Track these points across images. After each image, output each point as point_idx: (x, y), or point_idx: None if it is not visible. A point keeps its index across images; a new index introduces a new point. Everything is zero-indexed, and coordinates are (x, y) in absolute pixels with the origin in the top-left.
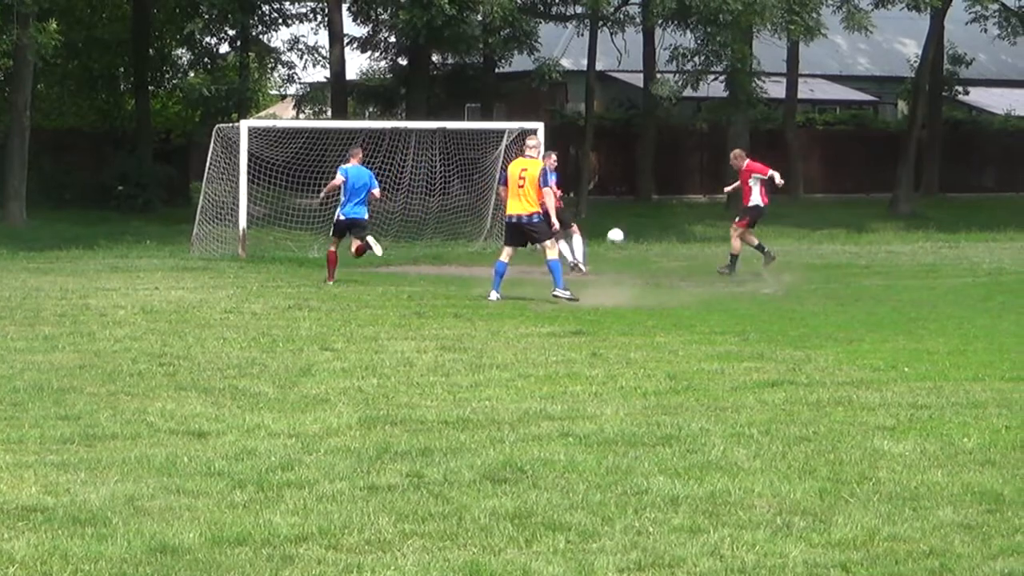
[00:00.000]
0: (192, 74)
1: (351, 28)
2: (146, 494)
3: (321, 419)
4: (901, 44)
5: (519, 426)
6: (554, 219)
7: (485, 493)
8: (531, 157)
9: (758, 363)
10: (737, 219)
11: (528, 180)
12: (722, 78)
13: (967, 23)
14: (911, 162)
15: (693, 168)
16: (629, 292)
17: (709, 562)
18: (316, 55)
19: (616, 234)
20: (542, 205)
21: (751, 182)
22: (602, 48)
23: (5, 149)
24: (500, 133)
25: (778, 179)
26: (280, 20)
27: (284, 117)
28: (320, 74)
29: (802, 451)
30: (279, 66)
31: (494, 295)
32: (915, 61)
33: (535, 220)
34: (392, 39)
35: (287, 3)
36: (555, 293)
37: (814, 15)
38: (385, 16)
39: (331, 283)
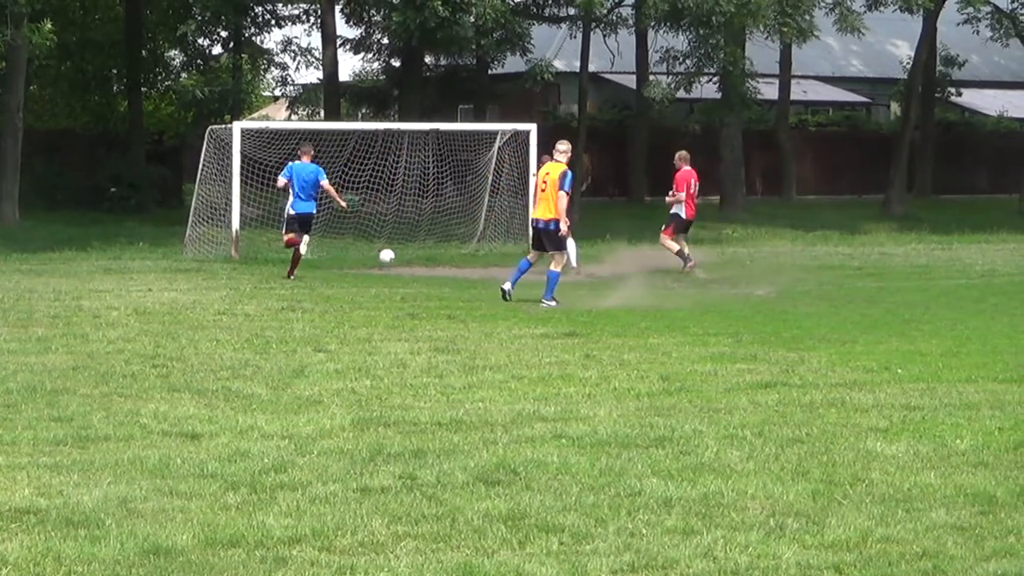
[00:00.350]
0: (185, 76)
1: (344, 30)
2: (139, 496)
3: (314, 421)
4: (894, 46)
5: (512, 428)
6: (563, 221)
7: (478, 495)
8: (557, 161)
9: (751, 365)
10: (663, 227)
11: (549, 184)
12: (715, 80)
13: (959, 24)
14: (904, 163)
15: None
16: (630, 292)
17: (702, 564)
18: (309, 57)
19: (386, 255)
20: (557, 212)
21: (673, 190)
22: (595, 50)
23: None
24: (493, 134)
25: (683, 213)
26: (273, 22)
27: (277, 119)
28: (313, 75)
29: (795, 453)
30: (272, 68)
31: (507, 285)
32: (908, 63)
33: (551, 227)
34: (385, 41)
35: (280, 5)
36: (544, 303)
37: (807, 17)
38: (378, 18)
39: (292, 278)
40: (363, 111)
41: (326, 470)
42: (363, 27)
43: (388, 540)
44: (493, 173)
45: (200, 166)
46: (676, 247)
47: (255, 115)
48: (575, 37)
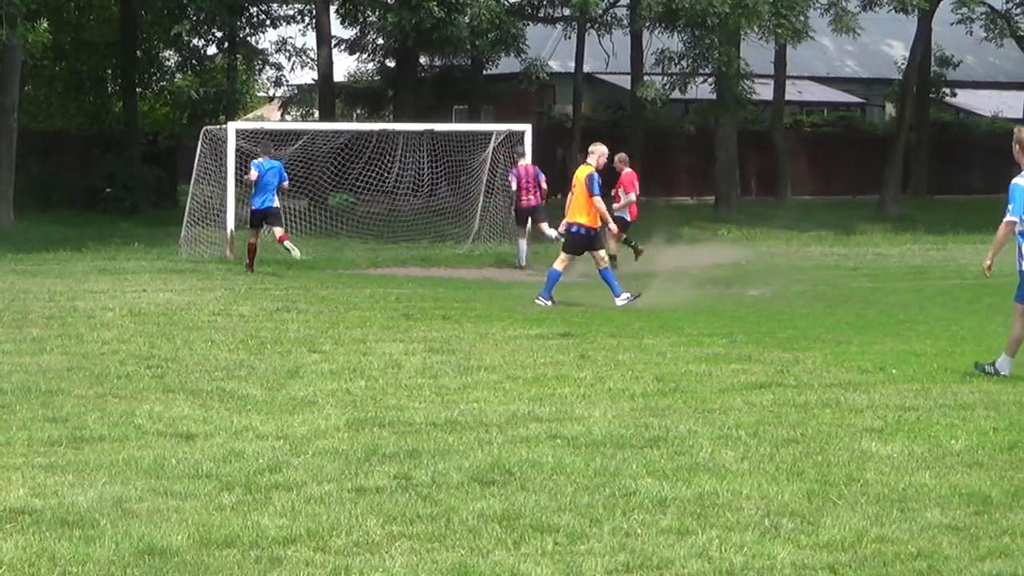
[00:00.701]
0: (180, 76)
1: (339, 30)
2: (134, 496)
3: (309, 421)
4: (888, 46)
5: (507, 428)
6: (610, 223)
7: (473, 495)
8: (587, 163)
9: (746, 365)
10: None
11: (577, 187)
12: (710, 80)
13: (953, 24)
14: (899, 164)
15: (681, 170)
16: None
17: (697, 564)
18: (304, 57)
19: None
20: (593, 214)
21: (620, 191)
22: (590, 50)
23: None
24: (488, 135)
25: (611, 226)
26: (268, 22)
27: (272, 119)
28: (308, 76)
29: (790, 453)
30: (267, 68)
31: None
32: (902, 63)
33: (572, 230)
34: (380, 41)
35: (275, 5)
36: (538, 299)
37: (801, 17)
38: (373, 18)
39: (251, 273)
40: (358, 111)
41: (321, 470)
42: (358, 27)
43: (383, 540)
44: (487, 173)
45: (195, 167)
46: (613, 249)
47: (250, 115)
48: (570, 38)
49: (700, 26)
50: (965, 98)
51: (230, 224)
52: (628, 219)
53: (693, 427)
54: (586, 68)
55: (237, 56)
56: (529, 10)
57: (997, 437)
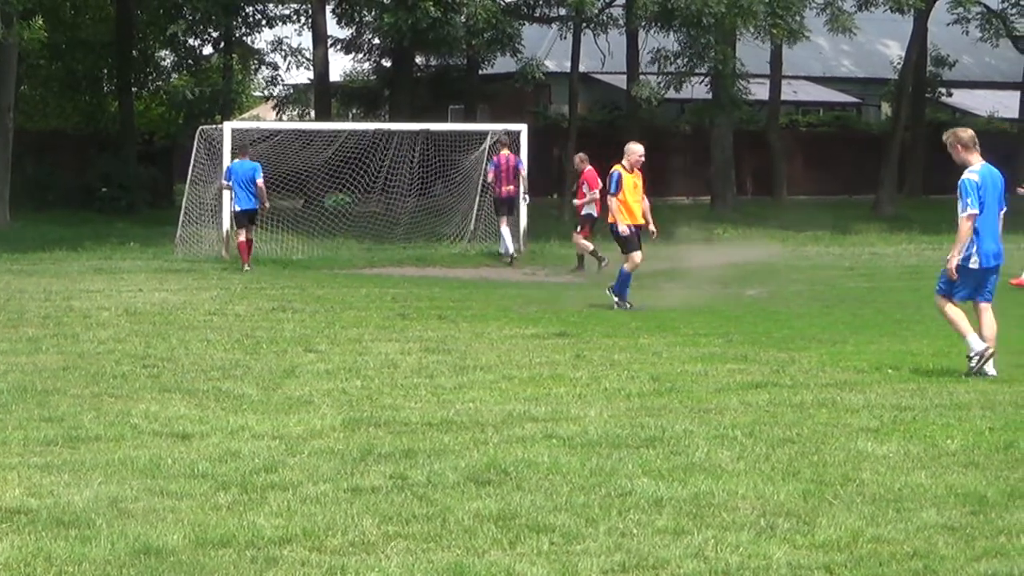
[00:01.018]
0: (176, 76)
1: (335, 30)
2: (130, 496)
3: (305, 421)
4: (884, 46)
5: (503, 428)
6: (620, 222)
7: (469, 495)
8: (620, 164)
9: (742, 365)
10: (578, 228)
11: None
12: (706, 80)
13: (949, 24)
14: (894, 164)
15: (677, 170)
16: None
17: (693, 564)
18: (300, 57)
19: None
20: (629, 212)
21: (584, 188)
22: (585, 50)
23: None
24: (483, 135)
25: (595, 212)
26: (264, 22)
27: (268, 119)
28: (304, 76)
29: (786, 453)
30: (263, 68)
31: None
32: (898, 63)
33: (611, 228)
34: (376, 41)
35: (271, 5)
36: (610, 291)
37: (797, 17)
38: (369, 18)
39: (248, 268)
40: (353, 111)
41: (317, 470)
42: (354, 27)
43: (379, 540)
44: (483, 173)
45: (191, 166)
46: (591, 247)
47: (245, 115)
48: (566, 37)
49: (696, 26)
50: (961, 98)
51: (226, 224)
52: (595, 215)
53: (689, 427)
54: (582, 68)
55: (233, 56)
56: (525, 10)
57: (993, 437)
